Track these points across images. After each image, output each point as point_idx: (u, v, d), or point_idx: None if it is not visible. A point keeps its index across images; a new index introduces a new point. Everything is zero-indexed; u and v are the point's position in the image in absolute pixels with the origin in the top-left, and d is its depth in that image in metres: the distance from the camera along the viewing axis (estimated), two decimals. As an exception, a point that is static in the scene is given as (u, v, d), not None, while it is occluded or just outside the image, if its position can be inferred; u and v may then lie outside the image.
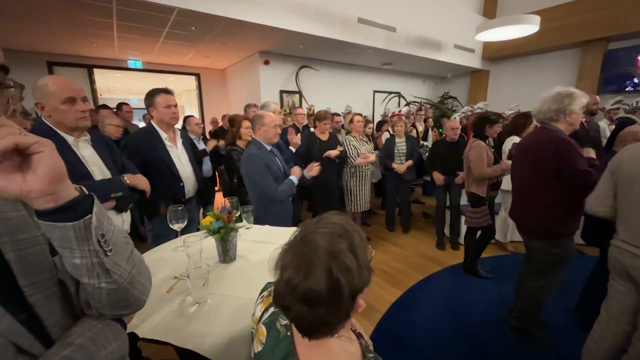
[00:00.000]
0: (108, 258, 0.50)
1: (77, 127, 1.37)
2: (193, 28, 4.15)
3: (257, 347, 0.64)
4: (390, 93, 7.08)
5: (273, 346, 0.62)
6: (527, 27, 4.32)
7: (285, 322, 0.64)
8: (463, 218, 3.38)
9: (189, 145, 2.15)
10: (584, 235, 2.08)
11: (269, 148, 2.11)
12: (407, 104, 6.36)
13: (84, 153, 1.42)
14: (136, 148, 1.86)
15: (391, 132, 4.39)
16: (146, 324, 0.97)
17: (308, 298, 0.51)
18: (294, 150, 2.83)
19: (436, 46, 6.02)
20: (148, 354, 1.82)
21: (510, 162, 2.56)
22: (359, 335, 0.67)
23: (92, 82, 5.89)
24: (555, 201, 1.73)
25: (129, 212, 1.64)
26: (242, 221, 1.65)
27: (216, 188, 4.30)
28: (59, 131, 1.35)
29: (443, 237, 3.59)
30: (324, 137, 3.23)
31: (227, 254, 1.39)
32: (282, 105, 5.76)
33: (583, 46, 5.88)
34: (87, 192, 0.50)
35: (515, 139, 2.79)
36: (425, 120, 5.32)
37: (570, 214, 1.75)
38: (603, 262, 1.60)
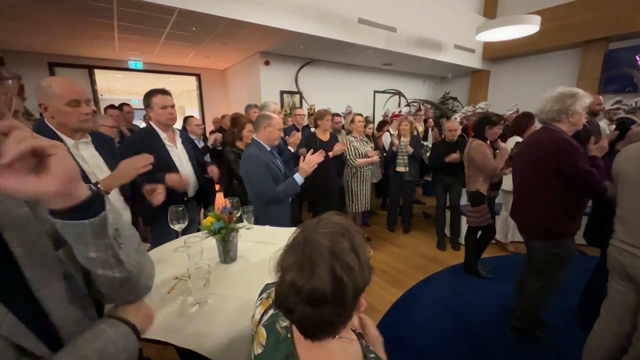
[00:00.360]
0: (122, 250, 0.54)
1: (80, 129, 1.38)
2: (193, 29, 4.16)
3: (257, 350, 0.64)
4: (387, 92, 7.06)
5: (273, 348, 0.62)
6: (527, 27, 4.31)
7: (285, 323, 0.64)
8: (463, 218, 3.39)
9: (190, 146, 2.15)
10: (587, 234, 2.08)
11: (268, 149, 2.11)
12: (407, 104, 6.36)
13: (85, 154, 1.43)
14: (137, 148, 1.86)
15: (391, 132, 4.40)
16: (147, 324, 0.97)
17: (313, 298, 0.51)
18: (292, 150, 2.83)
19: (436, 46, 6.01)
20: (149, 354, 1.82)
21: (507, 147, 2.60)
22: (359, 336, 0.67)
23: (92, 82, 5.90)
24: (556, 201, 1.72)
25: (129, 210, 1.65)
26: (242, 222, 1.65)
27: (217, 187, 4.29)
28: (59, 133, 1.35)
29: (443, 238, 3.59)
30: (325, 137, 3.23)
31: (227, 254, 1.39)
32: (282, 106, 5.77)
33: (583, 46, 5.87)
34: (97, 190, 0.52)
35: (518, 139, 2.79)
36: (425, 121, 5.32)
37: (570, 215, 1.75)
38: (604, 262, 1.60)
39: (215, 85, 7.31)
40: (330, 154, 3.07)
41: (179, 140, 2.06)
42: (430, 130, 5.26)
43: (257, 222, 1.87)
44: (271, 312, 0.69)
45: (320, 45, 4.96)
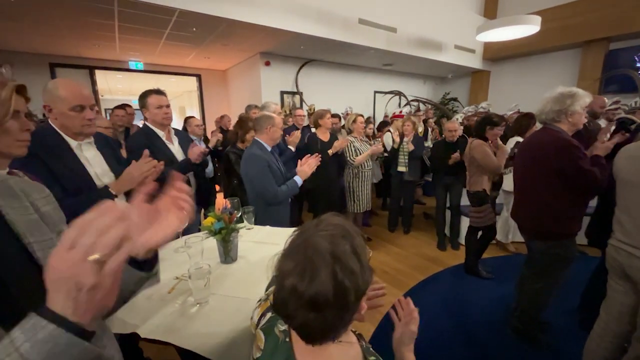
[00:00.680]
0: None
1: (81, 133, 1.38)
2: (194, 29, 4.16)
3: (256, 354, 0.64)
4: (389, 93, 7.06)
5: (272, 352, 0.61)
6: (527, 28, 4.31)
7: (283, 327, 0.63)
8: (463, 218, 3.39)
9: (186, 143, 2.18)
10: (588, 232, 2.07)
11: (269, 149, 2.12)
12: (407, 102, 6.35)
13: (88, 155, 1.43)
14: (139, 148, 1.87)
15: (392, 132, 4.39)
16: (147, 325, 0.98)
17: (315, 303, 0.50)
18: (293, 149, 2.83)
19: (437, 47, 6.02)
20: (149, 355, 1.82)
21: (507, 146, 2.56)
22: (359, 337, 0.66)
23: (93, 83, 5.91)
24: (557, 201, 1.72)
25: None
26: (243, 222, 1.66)
27: (217, 188, 4.30)
28: (63, 134, 1.36)
29: (444, 238, 3.59)
30: (325, 137, 3.23)
31: (228, 254, 1.40)
32: (282, 106, 5.77)
33: (584, 46, 5.87)
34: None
35: (519, 140, 2.79)
36: (425, 121, 5.32)
37: (571, 215, 1.75)
38: (604, 262, 1.60)
39: (216, 85, 7.32)
40: (330, 151, 3.07)
41: (175, 139, 2.11)
42: (430, 130, 5.26)
43: (257, 223, 1.87)
44: (269, 315, 0.68)
45: (320, 46, 4.97)
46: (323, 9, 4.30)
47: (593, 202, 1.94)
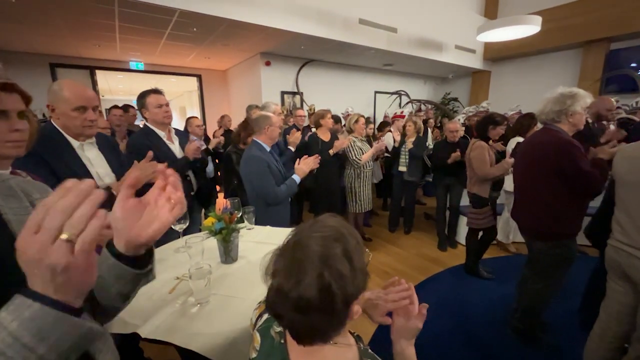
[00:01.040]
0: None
1: (82, 134, 1.39)
2: (195, 29, 4.17)
3: (252, 354, 0.63)
4: (393, 94, 7.04)
5: (267, 353, 0.61)
6: (528, 28, 4.31)
7: (279, 329, 0.63)
8: (462, 218, 3.38)
9: (186, 142, 2.18)
10: (588, 230, 2.06)
11: (268, 149, 2.12)
12: (409, 102, 6.35)
13: (90, 155, 1.44)
14: (141, 149, 1.88)
15: (393, 132, 4.39)
16: (148, 325, 0.98)
17: (300, 306, 0.49)
18: (293, 149, 2.83)
19: (437, 47, 6.01)
20: (150, 355, 1.82)
21: (512, 160, 2.55)
22: (357, 339, 0.66)
23: (94, 83, 5.92)
24: (557, 202, 1.72)
25: None
26: (243, 222, 1.66)
27: (218, 188, 4.30)
28: (65, 134, 1.37)
29: (444, 238, 3.58)
30: (326, 137, 3.23)
31: (228, 254, 1.39)
32: (282, 106, 5.78)
33: (585, 46, 5.87)
34: (152, 248, 0.58)
35: (520, 140, 2.79)
36: (425, 122, 5.31)
37: (572, 215, 1.75)
38: (603, 262, 1.60)
39: (216, 85, 7.33)
40: (331, 151, 3.07)
41: (175, 139, 2.12)
42: (430, 130, 5.26)
43: (257, 223, 1.87)
44: (265, 316, 0.68)
45: (321, 46, 4.97)
46: (323, 9, 4.30)
47: (594, 202, 1.93)
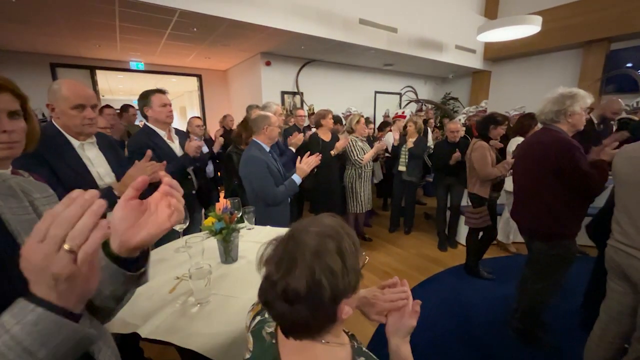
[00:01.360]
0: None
1: (82, 133, 1.39)
2: (195, 29, 4.17)
3: (245, 355, 0.64)
4: (403, 91, 6.92)
5: (259, 354, 0.61)
6: (528, 28, 4.31)
7: (270, 330, 0.63)
8: (463, 218, 3.38)
9: (184, 141, 2.19)
10: (589, 229, 2.05)
11: (267, 149, 2.12)
12: (410, 102, 6.35)
13: (90, 155, 1.44)
14: (142, 148, 1.88)
15: (393, 133, 4.39)
16: (148, 325, 0.98)
17: (287, 296, 0.50)
18: (294, 150, 2.83)
19: (437, 47, 6.01)
20: (150, 355, 1.83)
21: (513, 160, 2.55)
22: (351, 337, 0.65)
23: (94, 83, 5.92)
24: (556, 202, 1.72)
25: None
26: (243, 222, 1.66)
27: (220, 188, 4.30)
28: (65, 134, 1.37)
29: (445, 238, 3.58)
30: (327, 137, 3.23)
31: (228, 254, 1.39)
32: (283, 106, 5.78)
33: (585, 47, 5.86)
34: (147, 250, 0.57)
35: (520, 140, 2.79)
36: (425, 122, 5.32)
37: (571, 215, 1.75)
38: (602, 262, 1.60)
39: (217, 85, 7.33)
40: (333, 152, 3.07)
41: (175, 138, 2.13)
42: (430, 130, 5.26)
43: (257, 223, 1.87)
44: (259, 318, 0.69)
45: (321, 46, 4.97)
46: (323, 9, 4.30)
47: (596, 202, 1.92)
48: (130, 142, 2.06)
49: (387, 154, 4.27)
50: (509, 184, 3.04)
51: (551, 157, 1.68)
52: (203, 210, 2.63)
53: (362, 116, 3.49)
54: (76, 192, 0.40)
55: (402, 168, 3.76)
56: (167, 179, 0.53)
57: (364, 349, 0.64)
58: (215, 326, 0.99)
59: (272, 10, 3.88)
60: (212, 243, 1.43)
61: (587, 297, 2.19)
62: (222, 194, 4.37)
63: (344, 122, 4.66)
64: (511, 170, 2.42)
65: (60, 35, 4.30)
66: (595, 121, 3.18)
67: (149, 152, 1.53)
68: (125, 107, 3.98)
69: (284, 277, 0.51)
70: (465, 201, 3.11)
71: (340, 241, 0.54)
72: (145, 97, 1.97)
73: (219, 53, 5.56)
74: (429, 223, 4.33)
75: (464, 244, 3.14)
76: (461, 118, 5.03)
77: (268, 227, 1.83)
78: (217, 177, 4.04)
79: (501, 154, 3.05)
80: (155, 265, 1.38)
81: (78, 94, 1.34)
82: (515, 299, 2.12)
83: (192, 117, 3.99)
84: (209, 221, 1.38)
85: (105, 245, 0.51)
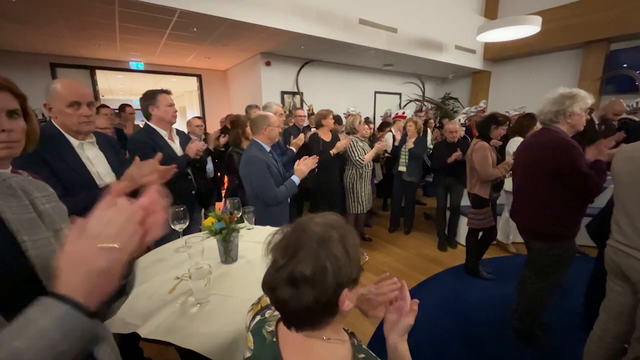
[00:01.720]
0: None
1: (80, 131, 1.39)
2: (195, 29, 4.17)
3: (246, 354, 0.65)
4: (411, 82, 6.82)
5: (260, 352, 0.62)
6: (528, 28, 4.32)
7: (271, 328, 0.64)
8: (462, 218, 3.38)
9: (184, 141, 2.19)
10: (590, 227, 2.05)
11: (268, 149, 2.12)
12: (410, 101, 6.35)
13: (90, 155, 1.44)
14: (144, 147, 1.88)
15: (394, 133, 4.39)
16: (148, 325, 0.98)
17: (293, 279, 0.52)
18: (295, 150, 2.83)
19: (437, 47, 6.02)
20: (150, 355, 1.82)
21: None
22: (351, 335, 0.66)
23: (94, 83, 5.92)
24: (555, 202, 1.72)
25: None
26: (243, 222, 1.65)
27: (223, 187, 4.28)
28: (65, 133, 1.37)
29: (444, 239, 3.58)
30: (327, 137, 3.23)
31: (228, 254, 1.39)
32: (282, 106, 5.78)
33: (585, 47, 5.87)
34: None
35: (519, 140, 2.79)
36: (425, 122, 5.31)
37: (571, 215, 1.75)
38: (602, 262, 1.60)
39: (216, 85, 7.33)
40: (333, 151, 3.06)
41: (176, 138, 2.14)
42: (430, 131, 5.26)
43: (257, 223, 1.87)
44: (259, 317, 0.69)
45: (321, 46, 4.97)
46: (323, 9, 4.31)
47: (596, 203, 1.92)
48: (131, 141, 2.06)
49: (387, 154, 4.27)
50: (508, 184, 3.04)
51: (550, 157, 1.68)
52: (203, 210, 2.63)
53: (360, 116, 3.49)
54: (121, 200, 0.46)
55: (402, 168, 3.76)
56: (152, 192, 0.50)
57: (363, 346, 0.65)
58: (215, 326, 0.99)
59: (272, 10, 3.88)
60: (212, 243, 1.43)
61: (588, 297, 2.18)
62: (222, 193, 4.37)
63: (343, 122, 4.66)
64: (511, 171, 2.43)
65: (60, 35, 4.31)
66: (597, 122, 3.18)
67: (160, 155, 1.54)
68: (122, 107, 3.98)
69: (290, 262, 0.53)
70: (465, 201, 3.11)
71: (343, 233, 0.57)
72: (151, 97, 1.97)
73: (219, 53, 5.56)
74: (429, 223, 4.33)
75: (464, 244, 3.14)
76: (461, 118, 5.03)
77: (268, 227, 1.83)
78: (216, 177, 4.04)
79: (500, 153, 3.05)
80: (154, 265, 1.38)
81: (73, 92, 1.34)
82: (515, 299, 2.12)
83: (195, 118, 3.99)
84: (208, 221, 1.38)
85: None
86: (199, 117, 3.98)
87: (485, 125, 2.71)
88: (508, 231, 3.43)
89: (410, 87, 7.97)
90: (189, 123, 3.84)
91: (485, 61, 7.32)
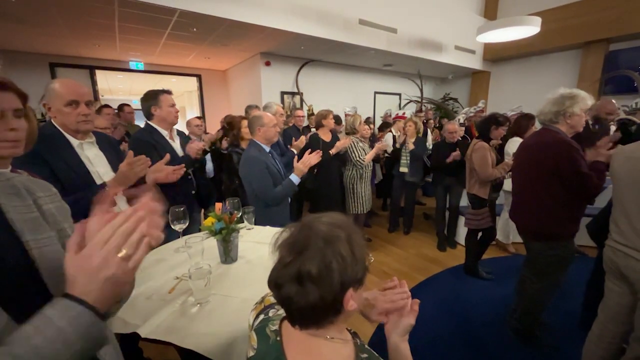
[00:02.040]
0: None
1: (78, 130, 1.39)
2: (194, 29, 4.17)
3: (250, 353, 0.65)
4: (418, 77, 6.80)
5: (264, 351, 0.62)
6: (528, 29, 4.32)
7: (274, 327, 0.64)
8: (461, 219, 3.38)
9: (184, 141, 2.20)
10: (590, 227, 2.05)
11: (267, 149, 2.12)
12: (409, 101, 6.35)
13: (89, 154, 1.44)
14: (144, 147, 1.88)
15: (394, 133, 4.40)
16: (148, 325, 0.98)
17: (299, 276, 0.52)
18: (296, 152, 2.83)
19: (437, 47, 6.02)
20: (150, 355, 1.82)
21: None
22: (354, 335, 0.66)
23: (94, 83, 5.91)
24: (554, 202, 1.72)
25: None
26: (243, 222, 1.66)
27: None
28: (64, 133, 1.37)
29: (444, 239, 3.59)
30: (327, 137, 3.23)
31: (228, 254, 1.40)
32: (282, 107, 5.77)
33: (584, 47, 5.88)
34: None
35: (518, 140, 2.79)
36: (425, 122, 5.31)
37: (570, 216, 1.75)
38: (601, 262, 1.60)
39: (216, 85, 7.32)
40: (332, 151, 3.06)
41: (177, 138, 2.14)
42: (430, 131, 5.26)
43: (257, 223, 1.87)
44: (262, 316, 0.70)
45: (321, 46, 4.97)
46: (323, 10, 4.31)
47: (596, 203, 1.92)
48: (132, 140, 2.06)
49: (387, 155, 4.27)
50: (508, 185, 3.05)
51: (549, 157, 1.69)
52: (203, 210, 2.63)
53: (361, 117, 3.49)
54: (130, 210, 0.48)
55: (404, 169, 3.74)
56: (146, 199, 0.50)
57: (366, 346, 0.65)
58: (214, 326, 0.99)
59: (272, 10, 3.88)
60: (212, 243, 1.43)
61: (587, 297, 2.18)
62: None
63: (343, 122, 4.66)
64: (510, 171, 2.43)
65: (59, 35, 4.30)
66: (590, 122, 3.17)
67: (168, 156, 1.55)
68: (121, 107, 3.98)
69: (296, 260, 0.54)
70: (464, 201, 3.11)
71: (350, 232, 0.58)
72: (154, 97, 1.97)
73: (219, 53, 5.56)
74: (428, 223, 4.34)
75: (463, 244, 3.14)
76: (460, 118, 5.03)
77: (268, 227, 1.83)
78: (216, 177, 4.03)
79: (499, 153, 3.06)
80: (154, 265, 1.38)
81: (71, 91, 1.34)
82: (514, 299, 2.12)
83: (192, 117, 3.99)
84: (208, 221, 1.38)
85: None
86: (198, 117, 3.97)
87: (485, 126, 2.71)
88: (508, 231, 3.43)
89: (410, 87, 7.97)
90: (188, 123, 3.83)
91: (485, 61, 7.32)
